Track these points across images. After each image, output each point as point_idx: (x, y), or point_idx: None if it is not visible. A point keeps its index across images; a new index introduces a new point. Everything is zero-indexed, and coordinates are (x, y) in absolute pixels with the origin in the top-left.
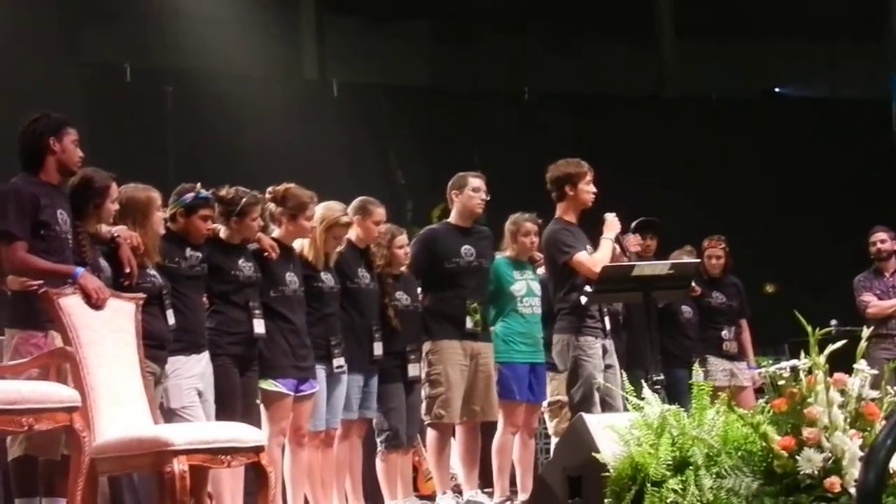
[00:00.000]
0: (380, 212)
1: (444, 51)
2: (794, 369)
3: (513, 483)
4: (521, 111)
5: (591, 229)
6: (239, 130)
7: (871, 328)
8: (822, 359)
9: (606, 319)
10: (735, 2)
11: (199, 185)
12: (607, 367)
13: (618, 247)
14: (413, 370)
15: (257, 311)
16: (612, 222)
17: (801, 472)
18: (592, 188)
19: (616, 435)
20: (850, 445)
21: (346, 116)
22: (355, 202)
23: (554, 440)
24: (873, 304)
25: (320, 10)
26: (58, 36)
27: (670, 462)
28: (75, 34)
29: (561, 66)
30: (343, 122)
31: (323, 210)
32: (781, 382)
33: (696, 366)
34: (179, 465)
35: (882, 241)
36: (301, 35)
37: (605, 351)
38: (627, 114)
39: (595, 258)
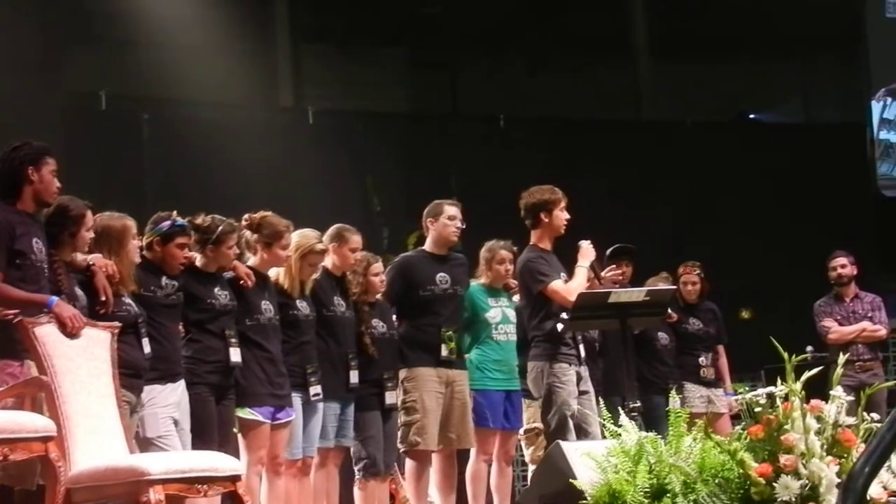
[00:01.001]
0: (356, 239)
1: (420, 77)
2: (771, 396)
3: None
4: (498, 137)
5: (567, 256)
6: (215, 158)
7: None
8: (798, 385)
9: (581, 347)
10: (710, 26)
11: (175, 213)
12: (582, 393)
13: (591, 274)
14: (390, 398)
15: (233, 340)
16: (586, 250)
17: (779, 500)
18: (566, 215)
19: (593, 462)
20: (828, 472)
21: (322, 143)
22: (331, 229)
23: (531, 468)
24: (834, 329)
25: (296, 38)
26: (34, 62)
27: (648, 489)
28: (52, 61)
29: (537, 91)
30: (319, 149)
31: (298, 238)
32: (758, 409)
33: (672, 393)
34: (156, 495)
35: (843, 266)
36: (277, 62)
37: (579, 378)
38: (604, 139)
39: (570, 287)
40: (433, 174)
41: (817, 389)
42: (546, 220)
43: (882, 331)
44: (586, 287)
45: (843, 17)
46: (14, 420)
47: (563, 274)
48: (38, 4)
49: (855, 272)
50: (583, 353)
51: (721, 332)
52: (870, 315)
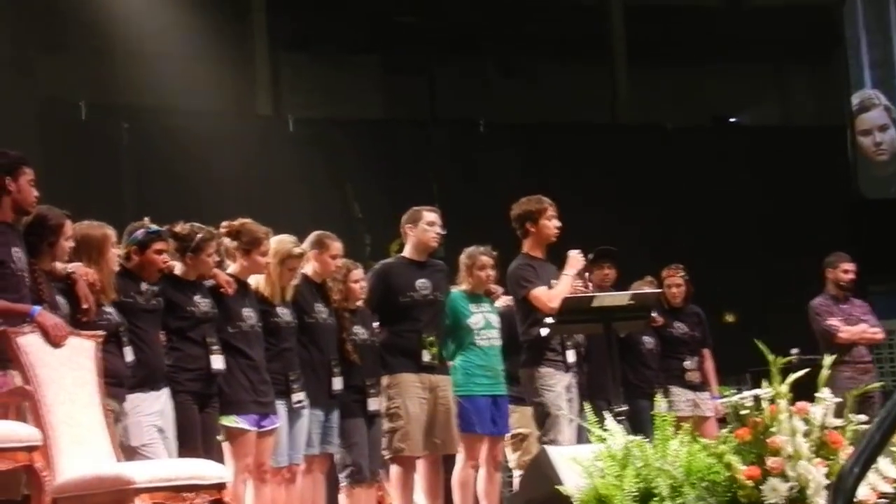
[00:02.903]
0: (337, 245)
1: (397, 83)
2: (757, 398)
3: None
4: (477, 141)
5: (558, 262)
6: (195, 166)
7: (834, 355)
8: (784, 387)
9: (570, 353)
10: (687, 29)
11: (146, 219)
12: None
13: (581, 283)
14: (373, 404)
15: (215, 347)
16: (574, 259)
17: (767, 502)
18: (555, 223)
19: (580, 467)
20: (815, 474)
21: (301, 151)
22: (312, 236)
23: (516, 473)
24: (843, 329)
25: (274, 47)
26: (13, 71)
27: (635, 493)
28: (30, 69)
29: (515, 95)
30: (299, 156)
31: (275, 244)
32: (744, 412)
33: (658, 396)
34: None
35: (849, 271)
36: (255, 71)
37: (569, 384)
38: (583, 142)
39: (551, 293)
40: (414, 180)
41: (807, 392)
42: (532, 229)
43: (881, 334)
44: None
45: (821, 20)
46: None
47: (553, 281)
48: (15, 12)
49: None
50: (571, 360)
51: (706, 336)
52: (864, 318)
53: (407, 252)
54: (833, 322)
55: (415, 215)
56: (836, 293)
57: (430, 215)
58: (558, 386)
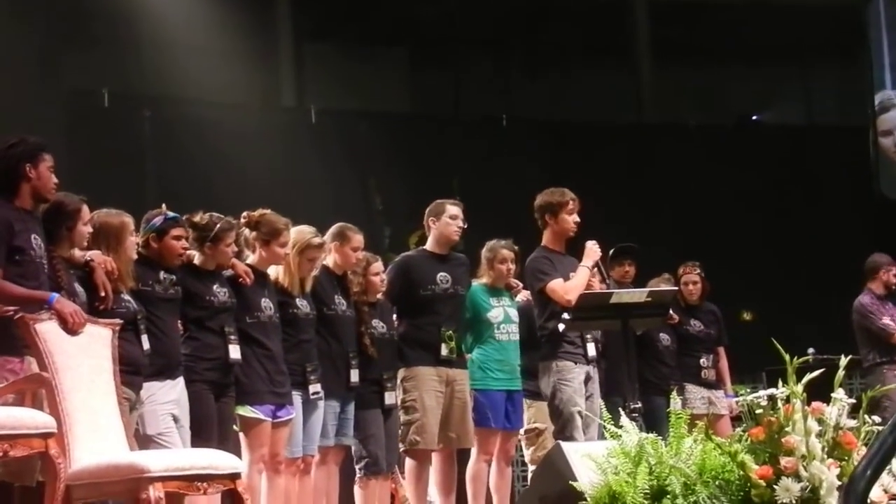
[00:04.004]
0: (358, 238)
1: (422, 77)
2: (772, 398)
3: None
4: (500, 137)
5: (579, 257)
6: (217, 157)
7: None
8: (799, 387)
9: (590, 346)
10: (711, 28)
11: (164, 206)
12: (587, 396)
13: (599, 274)
14: (389, 398)
15: (233, 337)
16: (591, 250)
17: (779, 502)
18: (575, 217)
19: (593, 463)
20: (828, 475)
21: (324, 143)
22: (333, 228)
23: (531, 468)
24: None
25: (298, 38)
26: (37, 61)
27: (648, 491)
28: (54, 59)
29: (540, 92)
30: (321, 148)
31: (295, 234)
32: (759, 411)
33: (673, 394)
34: (155, 492)
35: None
36: (279, 62)
37: (588, 377)
38: (606, 140)
39: (567, 286)
40: (435, 174)
41: (822, 392)
42: (552, 222)
43: None
44: (594, 288)
45: (846, 19)
46: (14, 416)
47: (572, 274)
48: (39, 3)
49: None
50: (591, 353)
51: (722, 334)
52: None
53: (428, 245)
54: (888, 322)
55: (438, 208)
56: (882, 293)
57: (452, 209)
58: (576, 381)
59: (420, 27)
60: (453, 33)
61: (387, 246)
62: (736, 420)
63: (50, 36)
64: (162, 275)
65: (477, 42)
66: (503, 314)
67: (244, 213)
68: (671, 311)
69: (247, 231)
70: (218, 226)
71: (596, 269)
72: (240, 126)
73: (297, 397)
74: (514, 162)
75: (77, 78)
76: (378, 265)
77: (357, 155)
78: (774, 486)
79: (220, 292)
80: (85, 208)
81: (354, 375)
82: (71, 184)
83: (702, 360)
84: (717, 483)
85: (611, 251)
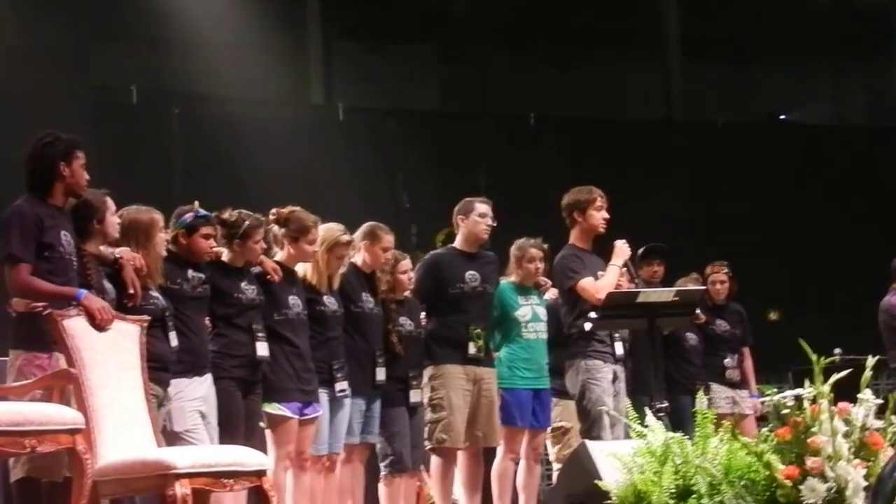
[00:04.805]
0: (388, 238)
1: (450, 74)
2: (798, 398)
3: None
4: (528, 135)
5: (606, 256)
6: (245, 154)
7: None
8: (826, 387)
9: (618, 345)
10: (741, 25)
11: (196, 204)
12: (613, 395)
13: (627, 273)
14: (414, 396)
15: (260, 334)
16: (620, 249)
17: (805, 502)
18: (604, 214)
19: (619, 462)
20: (854, 475)
21: (352, 140)
22: (364, 227)
23: (556, 466)
24: None
25: (327, 35)
26: (67, 56)
27: (673, 490)
28: (84, 55)
29: (568, 90)
30: (349, 146)
31: (323, 231)
32: (786, 411)
33: (700, 393)
34: (182, 489)
35: None
36: (308, 59)
37: (615, 376)
38: (635, 138)
39: (598, 284)
40: (462, 172)
41: (848, 392)
42: (580, 219)
43: None
44: (623, 287)
45: (875, 19)
46: (42, 412)
47: (600, 273)
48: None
49: None
50: (619, 352)
51: (747, 334)
52: None
53: (457, 243)
54: None
55: (467, 206)
56: None
57: (481, 207)
58: (604, 380)
59: (448, 24)
60: (481, 30)
61: (414, 244)
62: (760, 420)
63: (80, 32)
64: (190, 273)
65: (505, 38)
66: (531, 313)
67: (273, 210)
68: (698, 311)
69: (275, 228)
70: (247, 223)
71: (625, 268)
72: (268, 123)
73: (323, 395)
74: (542, 160)
75: (106, 74)
76: (406, 263)
77: (385, 152)
78: (800, 487)
79: (249, 289)
80: (108, 199)
81: (380, 373)
82: (99, 180)
83: (726, 360)
84: (742, 483)
85: (639, 251)
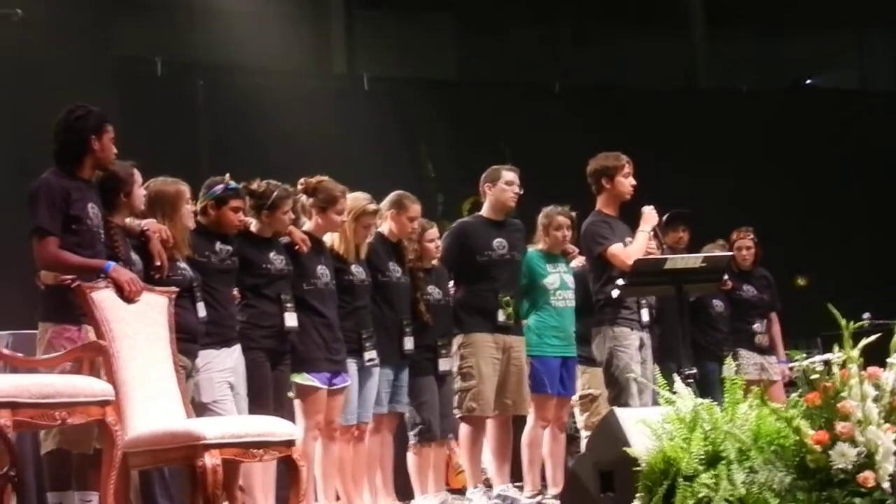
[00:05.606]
0: (415, 207)
1: (473, 43)
2: (828, 363)
3: (543, 477)
4: (551, 103)
5: (630, 223)
6: (270, 124)
7: None
8: (856, 352)
9: (644, 312)
10: None
11: (227, 175)
12: (640, 361)
13: (655, 239)
14: (444, 364)
15: (289, 305)
16: (649, 215)
17: (835, 467)
18: (631, 181)
19: (648, 429)
20: (885, 440)
21: (376, 110)
22: (391, 196)
23: (584, 434)
24: None
25: (350, 4)
26: (90, 29)
27: (703, 456)
28: (107, 27)
29: (591, 58)
30: (373, 115)
31: (350, 201)
32: (815, 376)
33: (728, 359)
34: (211, 459)
35: None
36: (331, 29)
37: (641, 344)
38: (658, 106)
39: (628, 250)
40: (487, 140)
41: (878, 357)
42: (608, 185)
43: None
44: (652, 254)
45: None
46: (72, 384)
47: (628, 239)
48: None
49: None
50: (645, 318)
51: (775, 300)
52: None
53: (484, 211)
54: None
55: (494, 174)
56: None
57: (508, 174)
58: (632, 347)
59: None
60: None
61: (440, 212)
62: (788, 386)
63: (103, 3)
64: (218, 245)
65: (527, 6)
66: (559, 280)
67: (301, 180)
68: (725, 277)
69: (303, 198)
70: (275, 193)
71: (653, 234)
72: (292, 93)
73: (351, 364)
74: (566, 128)
75: (130, 46)
76: (433, 231)
77: (409, 121)
78: (830, 452)
79: (277, 259)
80: (136, 172)
81: (408, 343)
82: (124, 152)
83: (755, 326)
84: (772, 448)
85: (664, 217)
